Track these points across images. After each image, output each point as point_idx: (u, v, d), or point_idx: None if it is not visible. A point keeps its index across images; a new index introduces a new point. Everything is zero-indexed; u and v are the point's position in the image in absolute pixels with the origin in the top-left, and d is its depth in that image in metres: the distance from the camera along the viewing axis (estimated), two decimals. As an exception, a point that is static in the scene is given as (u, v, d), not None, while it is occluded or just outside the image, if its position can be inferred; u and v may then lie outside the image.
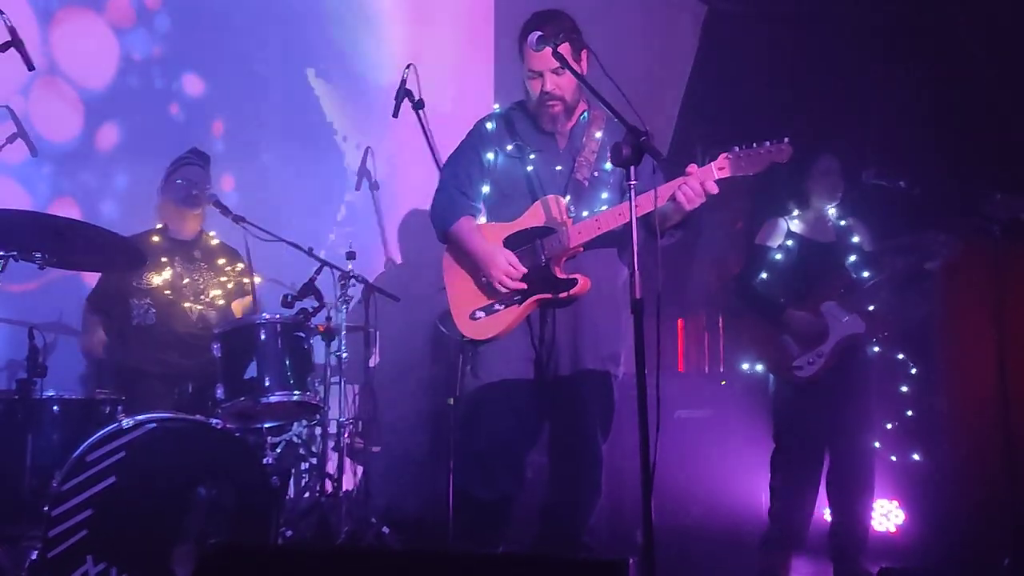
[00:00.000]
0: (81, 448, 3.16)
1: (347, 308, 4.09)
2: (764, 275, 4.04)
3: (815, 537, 4.18)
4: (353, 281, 4.19)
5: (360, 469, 4.37)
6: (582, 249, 3.14)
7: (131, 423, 3.18)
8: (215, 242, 4.36)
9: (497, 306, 3.18)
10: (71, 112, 4.44)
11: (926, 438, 4.60)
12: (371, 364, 4.48)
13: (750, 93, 5.16)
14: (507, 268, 3.12)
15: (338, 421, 4.03)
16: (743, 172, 2.97)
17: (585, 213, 3.18)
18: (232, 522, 3.22)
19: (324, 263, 4.12)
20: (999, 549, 3.89)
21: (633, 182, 2.61)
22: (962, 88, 4.57)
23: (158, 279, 4.16)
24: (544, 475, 3.37)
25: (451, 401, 3.91)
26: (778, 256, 4.04)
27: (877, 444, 4.16)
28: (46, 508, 3.12)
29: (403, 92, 4.18)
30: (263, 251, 4.36)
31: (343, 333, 4.07)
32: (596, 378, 3.18)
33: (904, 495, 4.50)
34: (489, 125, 3.34)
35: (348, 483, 4.04)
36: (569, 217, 3.16)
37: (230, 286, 4.31)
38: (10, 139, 4.26)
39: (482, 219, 3.31)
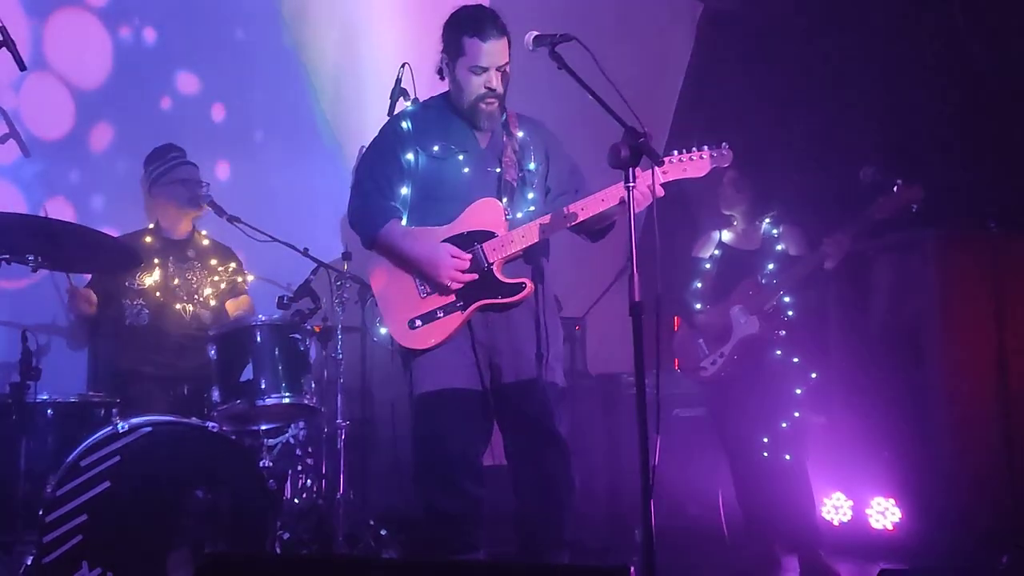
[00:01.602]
0: (75, 453, 3.15)
1: (342, 309, 4.07)
2: (697, 284, 4.35)
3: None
4: (348, 282, 4.17)
5: (357, 470, 4.35)
6: (520, 253, 3.08)
7: (126, 427, 3.17)
8: (208, 241, 4.33)
9: (439, 313, 3.06)
10: (63, 109, 4.41)
11: (922, 434, 4.60)
12: (367, 365, 4.46)
13: (746, 91, 5.15)
14: (453, 262, 3.03)
15: (335, 423, 4.00)
16: (686, 176, 2.98)
17: (519, 215, 3.13)
18: (229, 526, 3.21)
19: (320, 264, 4.09)
20: (997, 547, 3.89)
21: (631, 184, 2.58)
22: (961, 88, 4.56)
23: (150, 279, 4.14)
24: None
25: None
26: (707, 266, 4.37)
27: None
28: (40, 513, 3.12)
29: (398, 91, 4.16)
30: (257, 251, 4.34)
31: (339, 334, 4.04)
32: (545, 380, 3.10)
33: (901, 493, 4.50)
34: (404, 124, 3.22)
35: (345, 485, 4.01)
36: (507, 220, 3.10)
37: (223, 285, 4.29)
38: (2, 139, 4.23)
39: (403, 222, 3.18)
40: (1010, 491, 4.00)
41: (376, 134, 3.30)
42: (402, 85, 4.17)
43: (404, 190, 3.18)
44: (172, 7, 4.63)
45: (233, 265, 4.32)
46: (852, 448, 4.58)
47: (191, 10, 4.67)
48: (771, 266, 4.21)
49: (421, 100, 4.17)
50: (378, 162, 3.21)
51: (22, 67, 3.70)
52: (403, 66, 4.19)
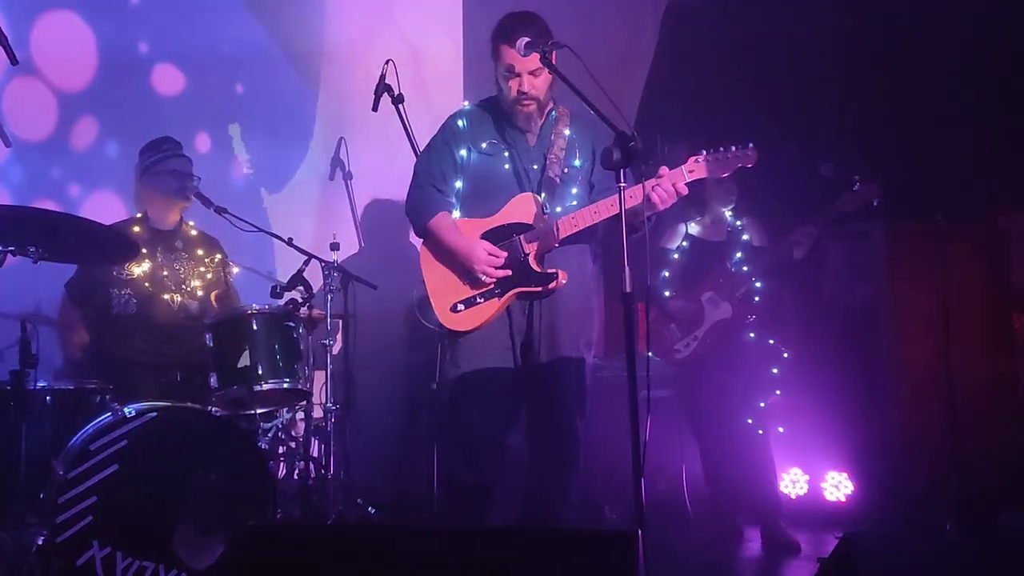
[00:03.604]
0: (84, 437, 3.25)
1: (331, 298, 4.21)
2: (666, 273, 4.58)
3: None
4: (335, 271, 4.30)
5: (340, 452, 4.50)
6: (557, 244, 3.30)
7: (132, 412, 3.28)
8: (195, 232, 4.42)
9: (478, 299, 3.31)
10: (46, 107, 4.47)
11: (872, 412, 4.91)
12: (350, 351, 4.61)
13: (710, 85, 5.35)
14: (488, 258, 3.27)
15: (325, 407, 4.15)
16: (712, 175, 3.21)
17: (559, 209, 3.33)
18: (230, 505, 3.34)
19: (310, 255, 4.22)
20: (942, 516, 4.21)
21: (623, 184, 2.78)
22: (913, 89, 4.83)
23: (138, 269, 4.20)
24: (524, 456, 3.55)
25: (435, 386, 4.08)
26: (675, 256, 4.61)
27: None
28: (43, 496, 3.23)
29: (382, 87, 4.31)
30: (240, 241, 4.45)
31: (329, 321, 4.18)
32: (572, 365, 3.35)
33: (853, 467, 4.80)
34: (460, 122, 3.45)
35: (335, 466, 4.17)
36: (545, 214, 3.31)
37: (209, 276, 4.37)
38: (-14, 133, 4.28)
39: (456, 213, 3.42)
40: (953, 465, 4.30)
41: (437, 131, 3.52)
42: (386, 81, 4.32)
43: (458, 184, 3.42)
44: (157, 6, 4.69)
45: (219, 256, 4.41)
46: (808, 425, 4.87)
47: (176, 8, 4.73)
48: (739, 255, 4.48)
49: (399, 94, 4.37)
50: (435, 157, 3.45)
51: (14, 61, 3.76)
52: (387, 63, 4.34)
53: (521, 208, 3.34)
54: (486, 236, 3.34)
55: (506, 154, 3.39)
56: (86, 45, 4.61)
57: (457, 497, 3.37)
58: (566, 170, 3.38)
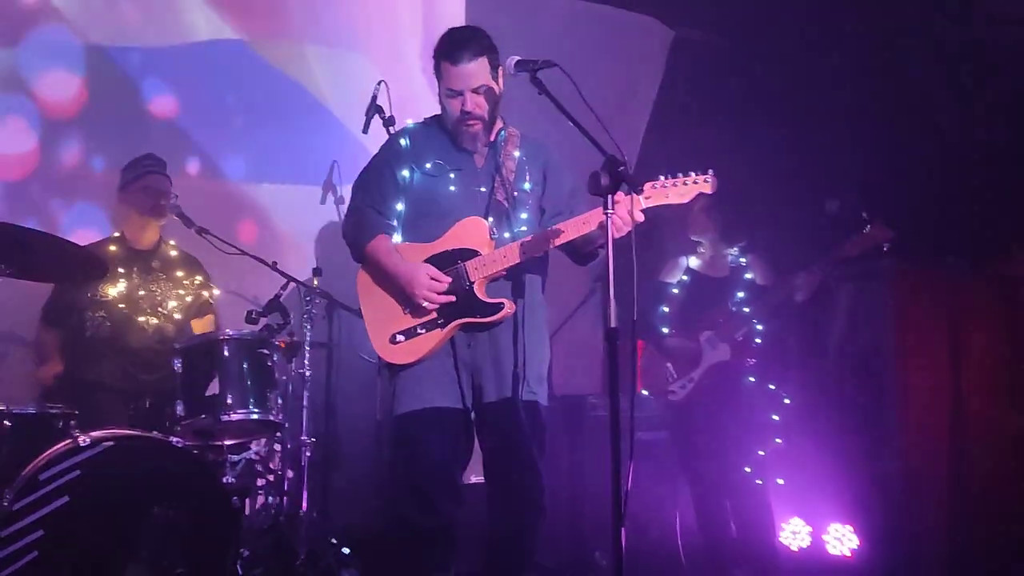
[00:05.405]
0: (34, 466, 3.05)
1: (311, 325, 4.04)
2: (665, 308, 4.39)
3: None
4: (317, 298, 4.14)
5: (318, 487, 4.31)
6: (504, 272, 3.10)
7: (88, 441, 3.09)
8: (175, 252, 4.27)
9: (419, 329, 3.08)
10: (30, 122, 4.37)
11: (879, 463, 4.69)
12: (333, 381, 4.43)
13: (715, 118, 5.24)
14: (430, 283, 3.04)
15: (300, 439, 3.96)
16: (669, 202, 2.97)
17: (507, 235, 3.13)
18: (189, 543, 3.15)
19: (290, 279, 4.06)
20: (951, 573, 3.98)
21: (610, 211, 2.60)
22: (927, 126, 4.69)
23: (113, 291, 4.07)
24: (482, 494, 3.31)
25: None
26: (675, 291, 4.41)
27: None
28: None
29: (374, 108, 4.18)
30: (223, 264, 4.30)
31: (307, 349, 4.01)
32: (523, 401, 3.12)
33: (858, 520, 4.57)
34: (403, 141, 3.25)
35: (308, 502, 3.97)
36: (492, 239, 3.11)
37: (188, 299, 4.23)
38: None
39: (397, 237, 3.21)
40: (964, 521, 4.09)
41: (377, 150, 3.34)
42: (378, 102, 4.19)
43: (399, 206, 3.21)
44: (144, 25, 4.59)
45: (199, 279, 4.27)
46: (811, 473, 4.65)
47: (164, 27, 4.64)
48: (740, 294, 4.28)
49: (390, 116, 4.24)
50: (375, 177, 3.24)
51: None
52: (379, 83, 4.21)
53: (467, 233, 3.11)
54: (429, 262, 3.11)
55: (451, 175, 3.17)
56: (75, 59, 4.50)
57: (415, 542, 3.10)
58: (515, 194, 3.17)
